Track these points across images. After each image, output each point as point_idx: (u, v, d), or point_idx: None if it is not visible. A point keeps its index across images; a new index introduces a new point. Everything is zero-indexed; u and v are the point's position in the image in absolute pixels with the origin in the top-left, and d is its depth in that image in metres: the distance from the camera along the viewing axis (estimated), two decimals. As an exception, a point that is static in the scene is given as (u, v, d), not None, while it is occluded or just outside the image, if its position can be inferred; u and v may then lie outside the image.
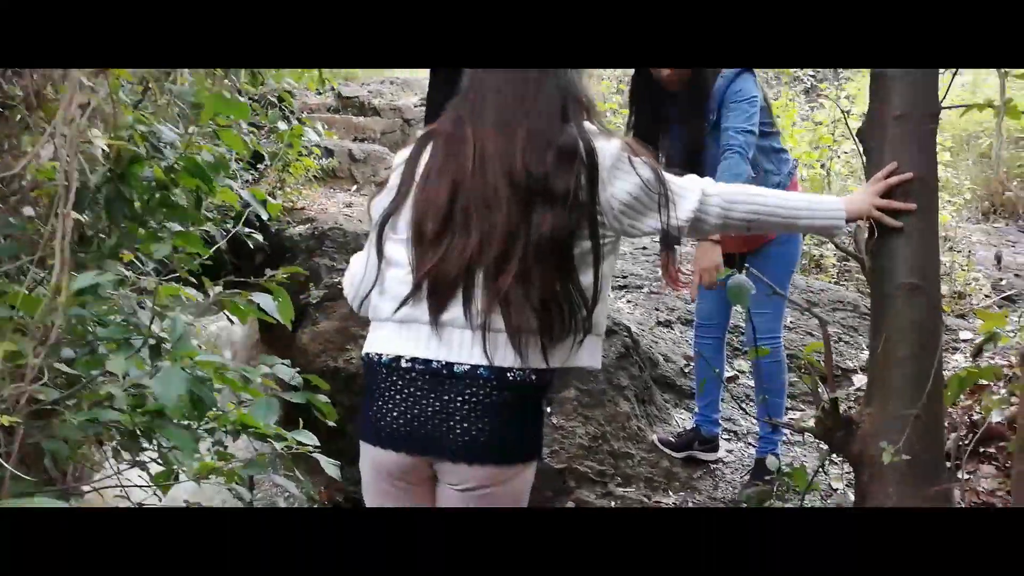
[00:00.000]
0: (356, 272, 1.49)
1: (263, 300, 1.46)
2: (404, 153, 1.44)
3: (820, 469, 1.81)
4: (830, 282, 4.69)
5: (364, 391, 1.39)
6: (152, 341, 1.38)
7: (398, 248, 1.38)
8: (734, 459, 3.01)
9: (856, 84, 7.11)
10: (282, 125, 4.19)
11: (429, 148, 1.39)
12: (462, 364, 1.30)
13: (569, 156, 1.29)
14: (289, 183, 4.74)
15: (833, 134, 5.72)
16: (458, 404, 1.29)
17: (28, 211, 1.76)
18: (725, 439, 3.10)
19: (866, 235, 1.56)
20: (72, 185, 1.37)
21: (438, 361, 1.30)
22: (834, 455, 3.00)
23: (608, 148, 1.33)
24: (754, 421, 3.33)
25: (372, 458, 1.40)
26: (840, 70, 7.13)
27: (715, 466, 2.93)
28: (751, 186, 1.43)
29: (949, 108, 1.45)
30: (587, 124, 1.38)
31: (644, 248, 4.66)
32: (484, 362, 1.29)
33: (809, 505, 2.68)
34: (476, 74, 1.39)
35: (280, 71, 4.81)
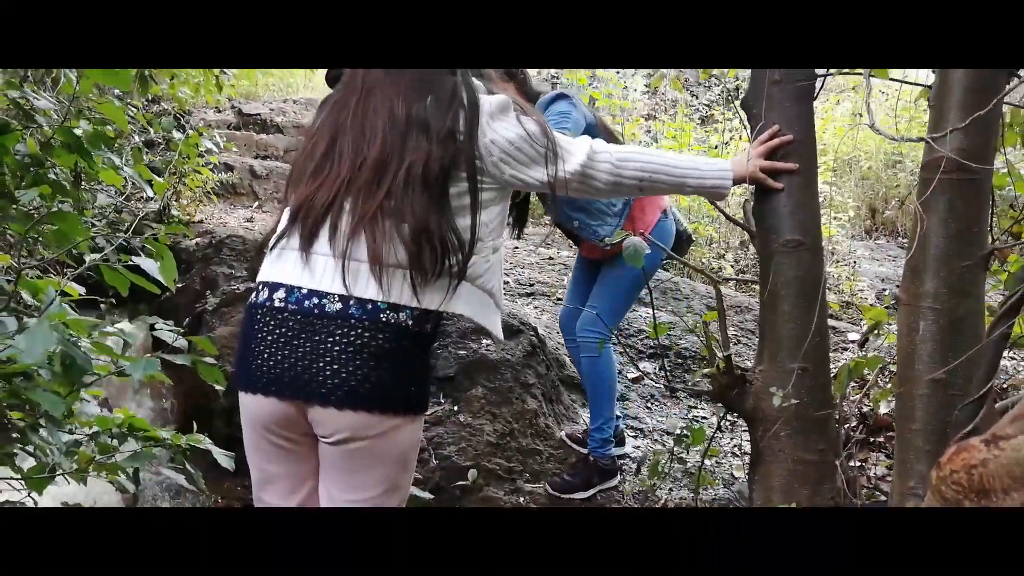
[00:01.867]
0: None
1: (144, 263, 1.38)
2: None
3: (718, 428, 1.84)
4: (728, 290, 4.87)
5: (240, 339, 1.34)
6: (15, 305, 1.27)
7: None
8: (640, 455, 3.04)
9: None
10: (177, 135, 4.06)
11: (328, 105, 1.42)
12: (333, 303, 1.28)
13: (449, 97, 1.33)
14: (185, 195, 4.56)
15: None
16: (329, 345, 1.26)
17: None
18: (632, 436, 3.13)
19: (752, 204, 1.63)
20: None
21: (309, 300, 1.28)
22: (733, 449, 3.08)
23: (494, 99, 1.38)
24: (660, 418, 3.39)
25: (246, 407, 1.36)
26: (732, 98, 7.49)
27: (622, 461, 2.95)
28: (641, 147, 1.48)
29: (824, 75, 1.54)
30: (477, 82, 1.42)
31: (550, 258, 4.71)
32: (342, 291, 1.27)
33: (710, 496, 2.73)
34: None
35: (174, 84, 4.67)
